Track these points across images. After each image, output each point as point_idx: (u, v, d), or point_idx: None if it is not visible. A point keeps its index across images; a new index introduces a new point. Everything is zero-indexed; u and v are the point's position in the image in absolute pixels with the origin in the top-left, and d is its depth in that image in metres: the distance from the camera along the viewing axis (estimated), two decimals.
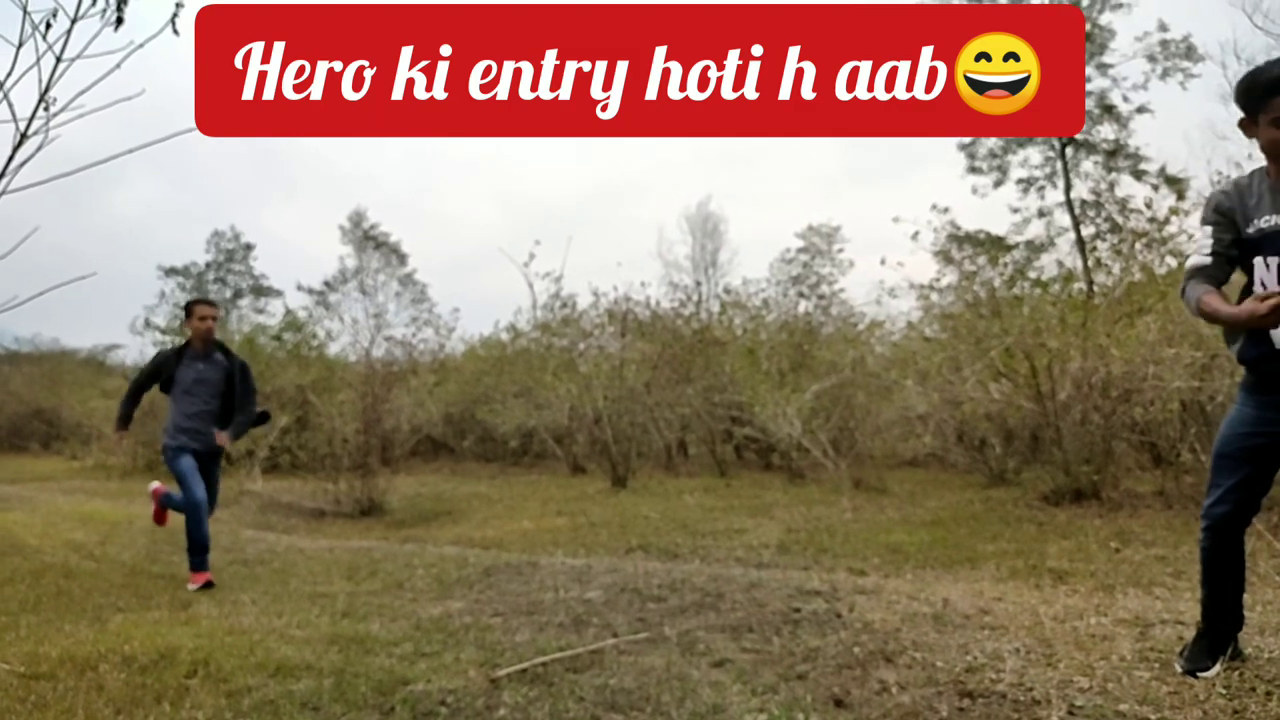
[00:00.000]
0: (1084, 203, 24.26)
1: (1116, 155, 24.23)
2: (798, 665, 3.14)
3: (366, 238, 34.81)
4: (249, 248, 37.05)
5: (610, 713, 2.73)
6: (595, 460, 12.37)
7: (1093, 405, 7.85)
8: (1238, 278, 2.83)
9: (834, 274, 31.10)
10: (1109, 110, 24.30)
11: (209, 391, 5.08)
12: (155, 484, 5.69)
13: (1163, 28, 23.44)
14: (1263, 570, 4.59)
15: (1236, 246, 2.75)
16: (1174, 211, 8.80)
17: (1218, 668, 2.85)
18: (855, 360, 11.21)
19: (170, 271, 35.62)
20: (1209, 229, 2.81)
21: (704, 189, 50.04)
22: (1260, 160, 2.74)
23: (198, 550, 4.85)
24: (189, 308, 5.30)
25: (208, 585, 4.77)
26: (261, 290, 36.25)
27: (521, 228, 37.54)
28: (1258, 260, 2.67)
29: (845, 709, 2.72)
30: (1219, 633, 2.92)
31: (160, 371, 5.15)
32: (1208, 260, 2.79)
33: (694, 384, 12.23)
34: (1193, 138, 32.79)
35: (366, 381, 12.41)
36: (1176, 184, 20.59)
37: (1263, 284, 2.66)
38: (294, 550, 6.26)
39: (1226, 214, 2.76)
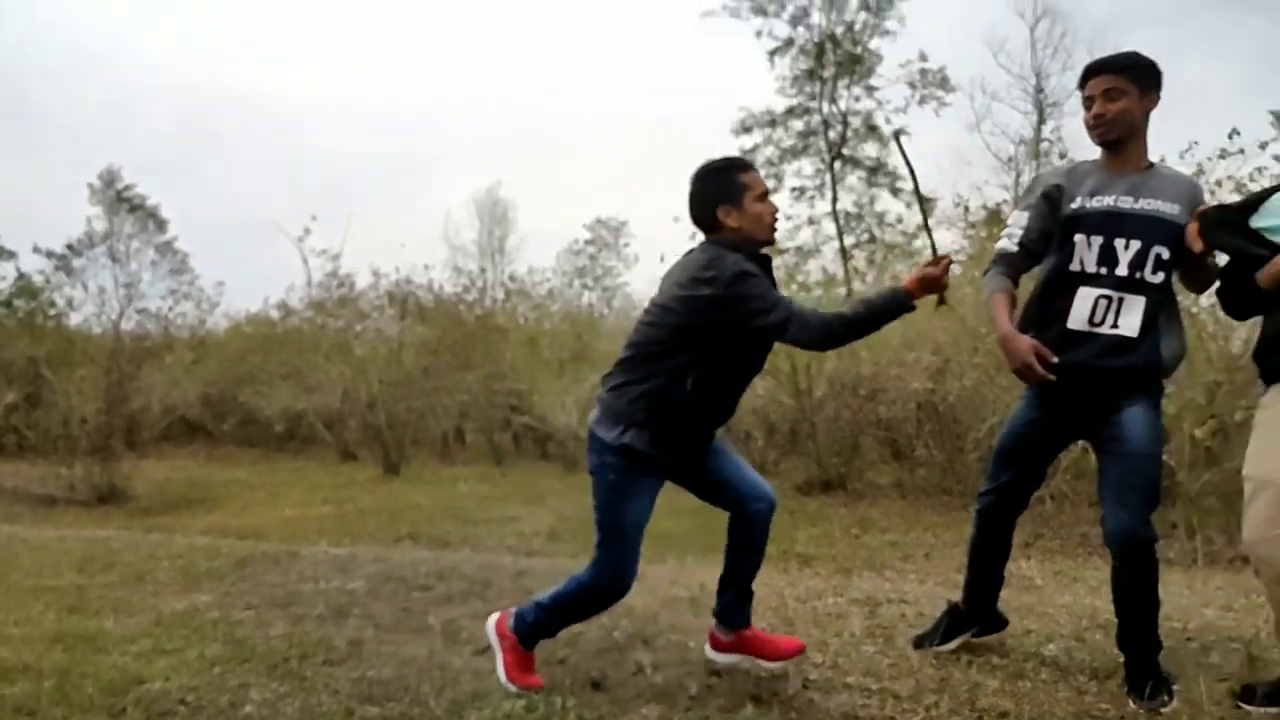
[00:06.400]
0: (847, 214, 26.16)
1: (877, 172, 26.25)
2: (559, 651, 3.20)
3: (120, 199, 31.64)
4: None
5: (365, 705, 2.69)
6: (367, 447, 11.99)
7: (844, 403, 8.51)
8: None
9: (619, 267, 31.81)
10: (873, 130, 26.30)
11: None
12: None
13: (923, 58, 25.61)
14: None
15: (1045, 240, 2.81)
16: (919, 229, 9.67)
17: (955, 643, 3.09)
18: None
19: None
20: (1025, 215, 2.84)
21: (495, 173, 49.44)
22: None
23: None
24: None
25: None
26: None
27: (300, 201, 35.50)
28: (1079, 238, 2.70)
29: (602, 691, 2.81)
30: (971, 612, 3.14)
31: None
32: (1014, 249, 2.83)
33: (474, 371, 12.12)
34: (942, 162, 36.10)
35: (112, 357, 11.38)
36: (927, 202, 22.61)
37: (1081, 262, 2.70)
38: (16, 540, 5.65)
39: (1050, 196, 2.79)
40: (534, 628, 2.84)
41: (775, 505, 2.88)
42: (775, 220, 2.74)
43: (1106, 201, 2.70)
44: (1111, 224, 2.68)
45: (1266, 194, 2.54)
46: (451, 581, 4.22)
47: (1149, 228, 2.65)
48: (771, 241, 2.75)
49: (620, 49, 47.94)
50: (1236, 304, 2.69)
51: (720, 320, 2.56)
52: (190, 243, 31.66)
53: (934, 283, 2.60)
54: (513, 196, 34.62)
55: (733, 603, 2.95)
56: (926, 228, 3.07)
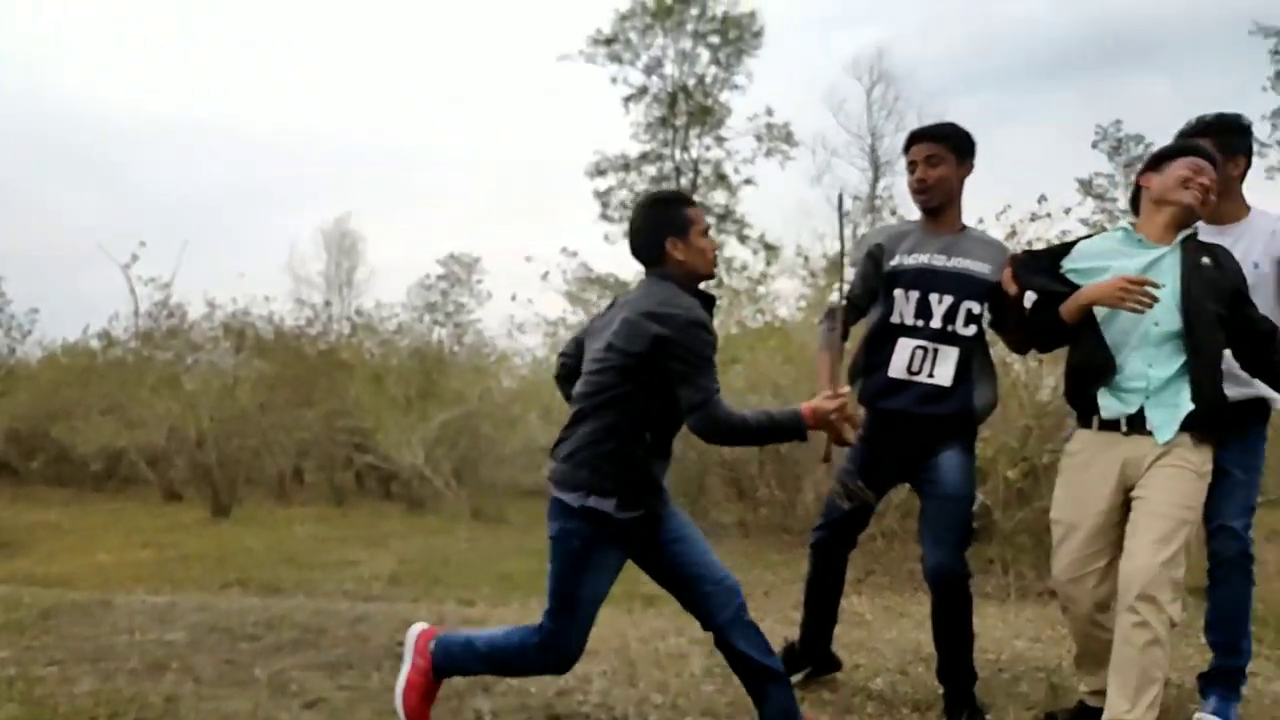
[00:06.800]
0: None
1: (726, 219, 27.19)
2: (396, 701, 3.11)
3: None
4: None
5: None
6: (195, 486, 11.29)
7: (691, 443, 8.65)
8: None
9: (472, 304, 31.45)
10: (722, 179, 27.29)
11: None
12: None
13: (769, 112, 26.88)
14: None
15: (870, 296, 3.01)
16: (764, 276, 10.06)
17: (798, 677, 3.18)
18: (484, 391, 11.39)
19: None
20: (852, 272, 3.07)
21: (345, 204, 48.12)
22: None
23: None
24: None
25: None
26: None
27: (131, 226, 33.46)
28: (897, 292, 2.92)
29: None
30: (805, 651, 3.26)
31: None
32: (842, 304, 3.01)
33: (315, 408, 11.64)
34: (787, 212, 37.81)
35: None
36: (772, 250, 23.51)
37: (901, 314, 2.91)
38: None
39: (874, 255, 3.01)
40: (455, 663, 2.71)
41: (743, 606, 2.70)
42: (716, 256, 2.72)
43: (922, 259, 2.93)
44: (926, 280, 2.91)
45: (1075, 241, 2.82)
46: (281, 630, 4.03)
47: (960, 284, 2.88)
48: (712, 276, 2.71)
49: (477, 84, 47.88)
50: (1042, 339, 2.93)
51: (660, 362, 2.45)
52: (2, 267, 29.22)
53: (825, 420, 2.47)
54: (362, 228, 33.87)
55: None
56: (840, 305, 2.99)
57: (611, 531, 2.53)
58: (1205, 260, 2.61)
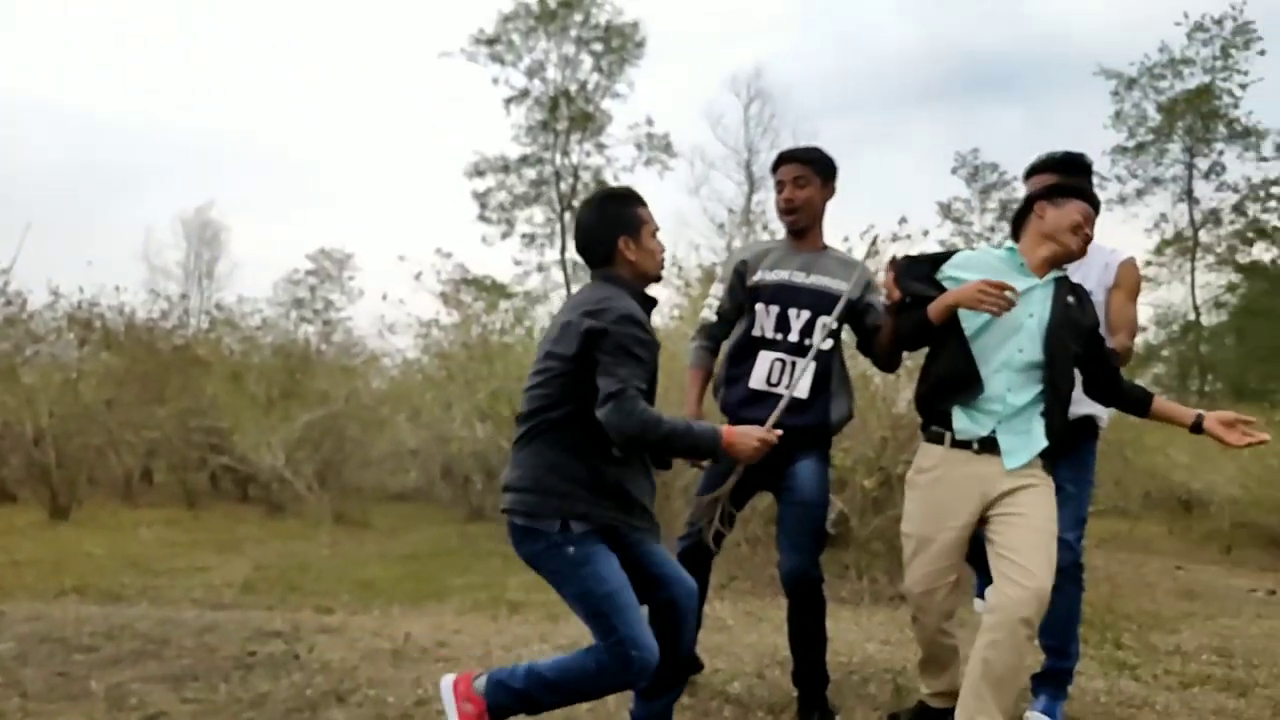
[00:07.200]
0: (575, 264, 26.88)
1: None
2: (244, 713, 3.00)
3: None
4: None
5: None
6: (31, 487, 10.53)
7: None
8: None
9: (342, 301, 30.52)
10: (602, 185, 27.35)
11: None
12: None
13: (650, 122, 27.20)
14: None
15: (738, 310, 3.14)
16: None
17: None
18: (351, 392, 11.06)
19: None
20: (721, 287, 3.20)
21: (208, 192, 45.92)
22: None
23: None
24: None
25: None
26: None
27: None
28: (759, 306, 3.05)
29: None
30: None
31: None
32: (713, 319, 3.18)
33: (168, 405, 11.04)
34: (664, 222, 38.23)
35: None
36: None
37: (762, 328, 3.03)
38: None
39: (739, 271, 3.13)
40: (519, 699, 2.38)
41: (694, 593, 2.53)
42: (664, 259, 2.59)
43: (782, 275, 3.07)
44: (786, 295, 3.04)
45: (953, 250, 2.89)
46: (121, 641, 3.82)
47: (818, 300, 3.02)
48: (660, 278, 2.59)
49: (353, 77, 46.54)
50: (908, 339, 2.92)
51: (592, 355, 2.29)
52: None
53: (747, 446, 2.36)
54: (226, 219, 32.40)
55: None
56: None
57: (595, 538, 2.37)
58: (1070, 299, 2.72)
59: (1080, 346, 2.70)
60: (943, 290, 2.73)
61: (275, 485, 10.02)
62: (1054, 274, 2.74)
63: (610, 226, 2.49)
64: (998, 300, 2.54)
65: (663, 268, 2.57)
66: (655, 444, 2.27)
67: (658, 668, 2.34)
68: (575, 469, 2.34)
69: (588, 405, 2.29)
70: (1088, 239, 2.73)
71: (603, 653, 2.30)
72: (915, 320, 2.77)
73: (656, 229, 2.56)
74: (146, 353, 11.72)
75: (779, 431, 2.45)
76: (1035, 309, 2.67)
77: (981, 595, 3.13)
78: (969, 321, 2.67)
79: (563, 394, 2.34)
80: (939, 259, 2.84)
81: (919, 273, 2.82)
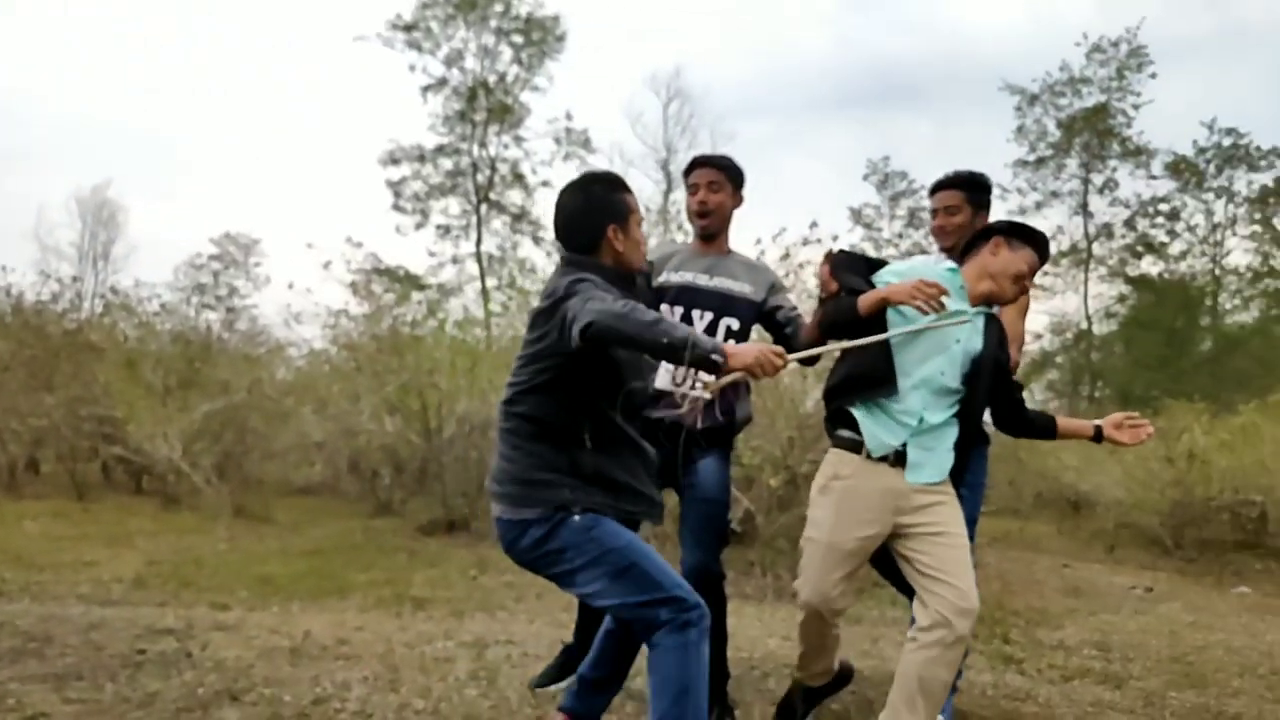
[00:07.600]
0: (491, 257, 26.70)
1: (521, 219, 27.17)
2: (131, 713, 2.90)
3: None
4: None
5: None
6: None
7: (472, 443, 8.60)
8: None
9: (248, 288, 29.58)
10: (519, 178, 27.24)
11: None
12: None
13: (569, 117, 27.08)
14: None
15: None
16: None
17: (565, 684, 3.20)
18: (254, 382, 10.74)
19: None
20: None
21: (106, 172, 43.89)
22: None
23: None
24: None
25: None
26: None
27: None
28: (664, 308, 3.07)
29: None
30: (582, 649, 3.26)
31: None
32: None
33: (57, 392, 10.54)
34: None
35: None
36: None
37: None
38: None
39: (645, 272, 3.04)
40: (588, 693, 2.39)
41: None
42: (646, 250, 2.47)
43: (686, 277, 3.12)
44: (688, 296, 3.10)
45: (887, 261, 2.87)
46: (0, 638, 3.64)
47: (720, 302, 3.08)
48: (642, 271, 2.48)
49: (265, 57, 45.15)
50: (833, 326, 2.79)
51: (555, 333, 2.17)
52: None
53: (748, 353, 2.05)
54: (124, 199, 31.10)
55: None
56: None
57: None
58: (992, 335, 2.77)
59: (991, 380, 2.76)
60: (872, 285, 2.72)
61: (171, 477, 9.67)
62: (987, 310, 2.79)
63: (598, 213, 2.33)
64: (931, 300, 2.50)
65: (643, 260, 2.44)
66: (633, 328, 1.98)
67: (610, 662, 2.39)
68: (555, 459, 2.27)
69: (559, 395, 2.23)
70: (1024, 290, 2.77)
71: (668, 630, 2.18)
72: (844, 306, 2.69)
73: (642, 219, 2.41)
74: (35, 337, 11.19)
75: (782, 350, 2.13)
76: (963, 336, 2.70)
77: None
78: (896, 328, 2.63)
79: (534, 383, 2.26)
80: (877, 265, 2.82)
81: (856, 268, 2.80)
